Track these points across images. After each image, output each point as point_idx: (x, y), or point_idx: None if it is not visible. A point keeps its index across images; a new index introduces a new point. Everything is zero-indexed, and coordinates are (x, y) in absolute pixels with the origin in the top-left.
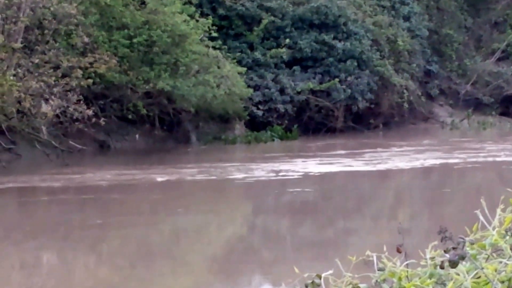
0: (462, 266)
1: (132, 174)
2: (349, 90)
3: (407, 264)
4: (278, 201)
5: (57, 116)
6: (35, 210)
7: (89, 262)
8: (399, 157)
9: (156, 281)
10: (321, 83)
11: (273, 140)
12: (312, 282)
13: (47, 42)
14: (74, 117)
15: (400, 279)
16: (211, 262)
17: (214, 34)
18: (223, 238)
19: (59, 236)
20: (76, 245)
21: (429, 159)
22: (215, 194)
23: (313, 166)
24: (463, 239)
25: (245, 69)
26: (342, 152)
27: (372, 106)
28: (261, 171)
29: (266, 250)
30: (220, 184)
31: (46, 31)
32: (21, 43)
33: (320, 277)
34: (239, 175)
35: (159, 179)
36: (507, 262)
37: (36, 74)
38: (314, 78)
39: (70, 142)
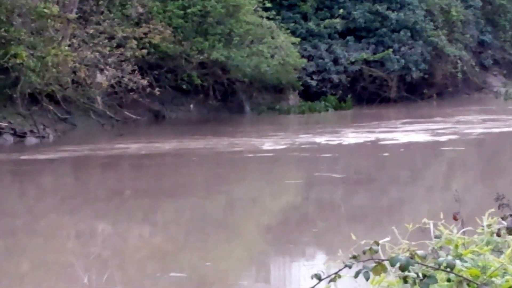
0: None
1: (187, 143)
2: (402, 61)
3: (463, 232)
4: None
5: (112, 86)
6: (89, 179)
7: (143, 231)
8: (454, 126)
9: (211, 251)
10: (374, 53)
11: (327, 110)
12: (370, 249)
13: (102, 12)
14: (129, 87)
15: (456, 246)
16: (274, 228)
17: (268, 5)
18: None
19: (114, 205)
20: (131, 214)
21: (484, 128)
22: (270, 163)
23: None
24: None
25: (299, 39)
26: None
27: (426, 76)
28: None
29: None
30: (273, 155)
31: (101, 2)
32: (76, 13)
33: (377, 244)
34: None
35: (214, 148)
36: None
37: (91, 44)
38: (367, 48)
39: (125, 112)
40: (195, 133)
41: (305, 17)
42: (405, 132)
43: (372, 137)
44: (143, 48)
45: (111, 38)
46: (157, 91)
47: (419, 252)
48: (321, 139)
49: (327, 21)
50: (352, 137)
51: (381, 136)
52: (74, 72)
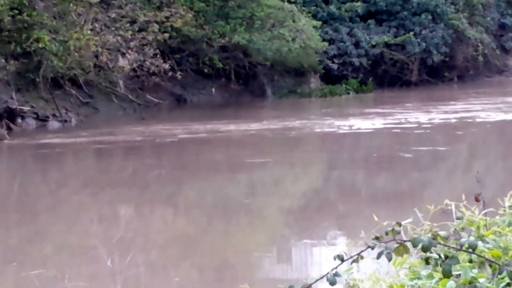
0: None
1: (209, 127)
2: (423, 44)
3: (485, 213)
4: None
5: (133, 70)
6: (112, 162)
7: (166, 215)
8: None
9: (233, 234)
10: (395, 36)
11: (348, 93)
12: (392, 230)
13: None
14: (151, 71)
15: (478, 227)
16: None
17: None
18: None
19: (136, 188)
20: (153, 197)
21: (503, 112)
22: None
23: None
24: None
25: (320, 23)
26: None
27: (447, 59)
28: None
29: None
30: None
31: None
32: None
33: (400, 225)
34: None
35: (237, 131)
36: None
37: (113, 28)
38: (388, 31)
39: (147, 96)
40: (216, 117)
41: (326, 1)
42: (473, 111)
43: (450, 116)
44: (165, 32)
45: (133, 22)
46: (178, 75)
47: (441, 233)
48: (408, 118)
49: (348, 4)
50: (427, 115)
51: (462, 114)
52: (96, 56)
